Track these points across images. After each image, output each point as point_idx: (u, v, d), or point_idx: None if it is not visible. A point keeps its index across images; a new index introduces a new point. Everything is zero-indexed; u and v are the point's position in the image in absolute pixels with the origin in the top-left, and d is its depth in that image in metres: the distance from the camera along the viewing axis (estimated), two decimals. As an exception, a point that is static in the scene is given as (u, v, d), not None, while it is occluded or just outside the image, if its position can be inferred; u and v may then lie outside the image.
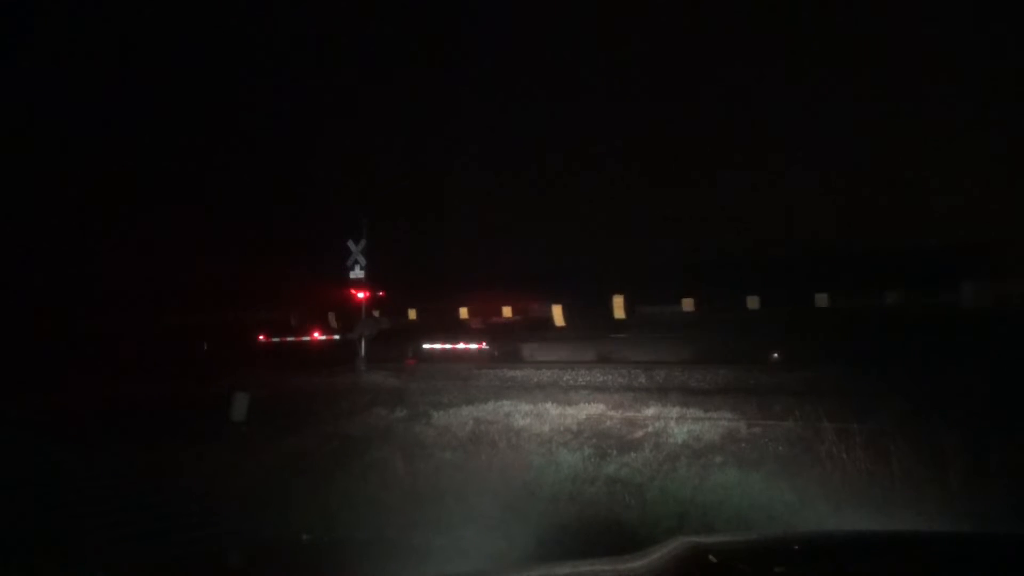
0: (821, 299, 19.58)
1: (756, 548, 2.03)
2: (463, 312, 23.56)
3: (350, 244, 15.93)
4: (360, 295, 15.91)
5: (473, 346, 18.32)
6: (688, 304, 21.64)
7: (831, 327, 17.03)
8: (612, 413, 8.98)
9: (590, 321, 21.37)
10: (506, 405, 9.57)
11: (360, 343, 15.86)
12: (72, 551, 4.44)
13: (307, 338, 21.55)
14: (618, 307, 21.84)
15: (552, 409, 9.16)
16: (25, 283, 24.96)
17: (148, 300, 26.69)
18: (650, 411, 8.95)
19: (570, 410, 9.12)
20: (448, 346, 18.60)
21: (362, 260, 15.82)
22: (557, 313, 22.18)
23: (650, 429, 7.75)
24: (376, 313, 16.47)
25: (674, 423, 7.93)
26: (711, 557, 1.78)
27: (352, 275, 15.90)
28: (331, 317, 22.59)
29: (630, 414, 8.88)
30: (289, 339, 21.74)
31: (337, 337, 20.05)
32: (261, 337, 22.04)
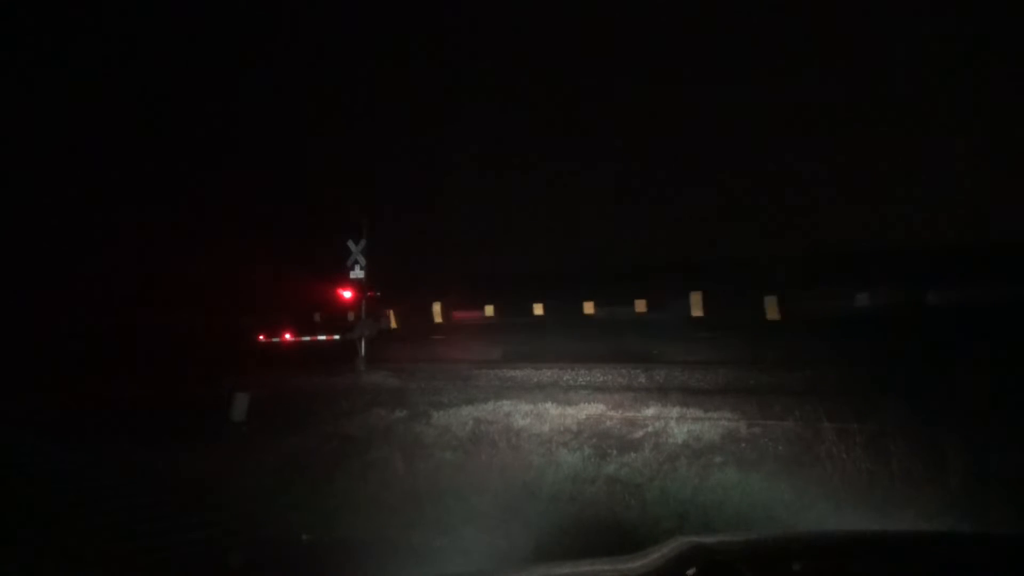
0: (588, 307, 24.02)
1: (756, 548, 2.03)
2: (316, 316, 26.33)
3: (350, 244, 15.95)
4: (347, 294, 15.92)
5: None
6: (489, 310, 25.65)
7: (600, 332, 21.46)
8: (612, 413, 8.98)
9: (417, 324, 25.24)
10: (506, 405, 9.57)
11: (360, 343, 15.88)
12: (72, 551, 4.44)
13: (307, 338, 21.57)
14: (436, 312, 26.03)
15: (552, 409, 9.16)
16: (25, 283, 24.97)
17: (148, 300, 26.69)
18: (650, 411, 8.95)
19: (570, 410, 9.12)
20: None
21: (362, 260, 15.84)
22: (392, 316, 25.57)
23: (650, 429, 7.75)
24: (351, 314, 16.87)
25: (674, 423, 7.93)
26: (711, 557, 1.78)
27: (352, 275, 15.92)
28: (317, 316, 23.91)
29: (630, 414, 8.88)
30: (288, 339, 21.77)
31: (337, 337, 20.14)
32: (261, 337, 22.05)
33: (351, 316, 16.31)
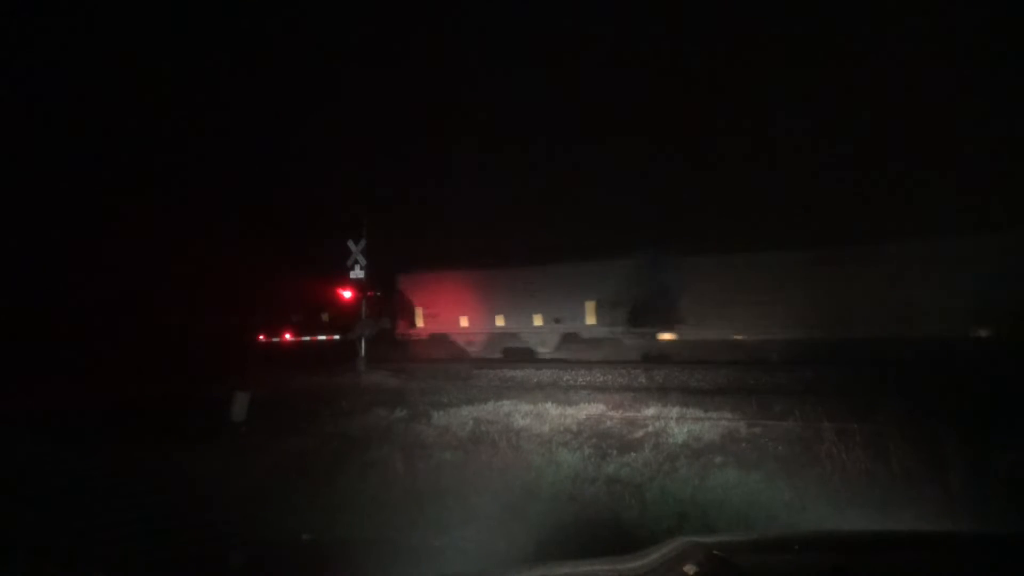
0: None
1: (756, 547, 2.03)
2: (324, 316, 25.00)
3: (350, 244, 15.97)
4: (347, 294, 15.94)
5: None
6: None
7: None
8: (612, 413, 8.99)
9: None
10: (506, 405, 9.57)
11: (360, 343, 15.91)
12: (72, 551, 4.44)
13: (307, 338, 21.61)
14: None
15: (552, 409, 9.17)
16: (23, 283, 24.98)
17: (147, 300, 26.71)
18: (650, 411, 8.95)
19: (570, 410, 9.12)
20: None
21: (362, 260, 15.86)
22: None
23: (650, 429, 7.75)
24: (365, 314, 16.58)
25: (674, 423, 7.93)
26: (711, 556, 1.78)
27: (352, 275, 15.94)
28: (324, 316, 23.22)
29: (630, 414, 8.88)
30: (289, 339, 21.83)
31: (337, 337, 20.19)
32: (261, 337, 22.10)
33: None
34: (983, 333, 13.48)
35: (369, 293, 16.25)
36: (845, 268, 14.97)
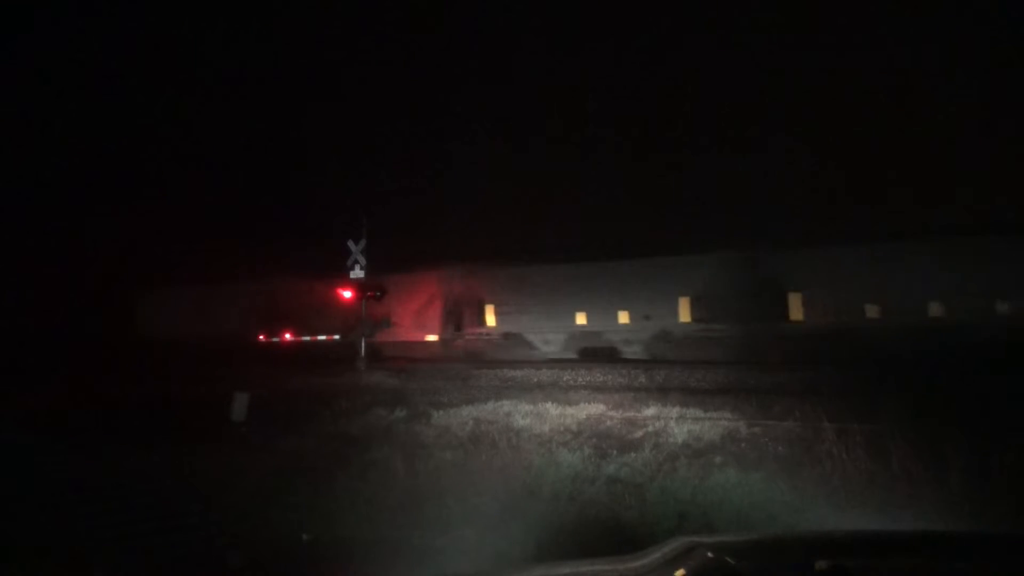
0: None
1: (756, 548, 2.03)
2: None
3: (350, 244, 15.97)
4: (347, 294, 15.97)
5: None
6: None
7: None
8: (612, 413, 8.98)
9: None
10: (506, 405, 9.57)
11: (360, 343, 15.92)
12: (72, 551, 4.44)
13: (307, 338, 21.64)
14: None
15: (552, 409, 9.16)
16: (24, 283, 24.98)
17: (149, 302, 26.70)
18: (650, 411, 8.95)
19: (570, 410, 9.12)
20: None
21: (362, 260, 15.87)
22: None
23: (650, 429, 7.75)
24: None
25: (674, 423, 7.93)
26: (711, 556, 1.78)
27: (352, 275, 15.94)
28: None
29: (630, 414, 8.88)
30: (289, 339, 21.87)
31: (337, 337, 20.27)
32: (261, 337, 22.15)
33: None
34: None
35: (370, 293, 16.30)
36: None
